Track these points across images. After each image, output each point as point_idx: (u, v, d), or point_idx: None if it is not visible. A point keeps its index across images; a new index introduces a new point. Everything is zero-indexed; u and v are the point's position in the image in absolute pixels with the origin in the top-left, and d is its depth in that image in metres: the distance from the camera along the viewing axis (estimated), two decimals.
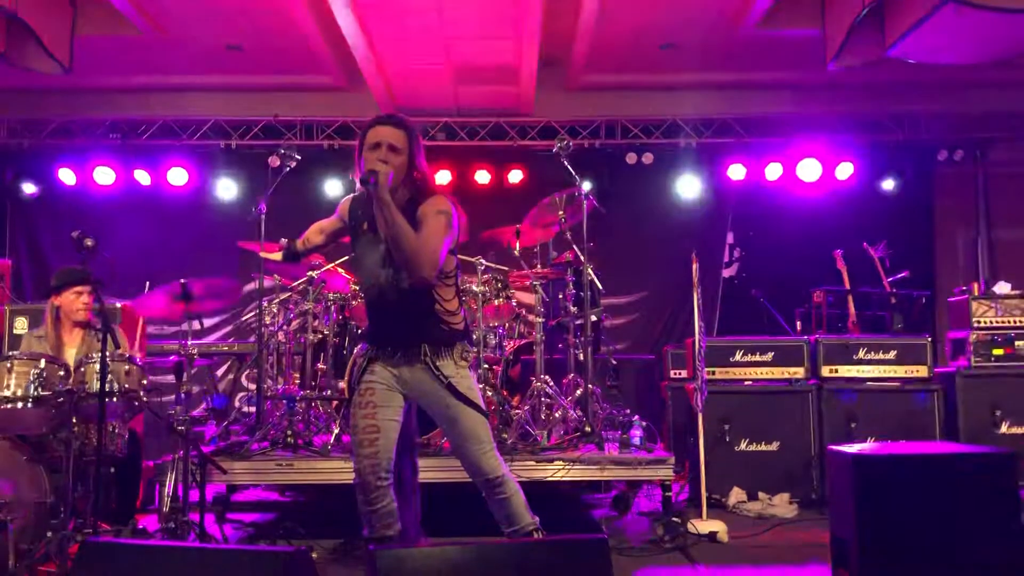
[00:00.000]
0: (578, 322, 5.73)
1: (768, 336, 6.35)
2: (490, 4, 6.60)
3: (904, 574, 3.20)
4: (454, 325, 3.44)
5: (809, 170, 8.54)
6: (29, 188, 8.67)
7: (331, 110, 8.60)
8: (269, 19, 7.04)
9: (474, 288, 5.65)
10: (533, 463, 4.90)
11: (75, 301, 4.78)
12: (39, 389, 4.14)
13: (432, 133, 8.70)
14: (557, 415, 5.42)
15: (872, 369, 6.07)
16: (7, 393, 4.10)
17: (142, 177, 8.58)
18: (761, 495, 5.75)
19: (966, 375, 6.04)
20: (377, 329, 3.50)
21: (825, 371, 6.07)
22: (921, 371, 6.06)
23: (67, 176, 8.56)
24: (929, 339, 6.17)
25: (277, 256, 3.98)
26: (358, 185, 3.38)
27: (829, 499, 3.91)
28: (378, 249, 3.39)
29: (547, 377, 5.51)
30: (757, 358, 6.07)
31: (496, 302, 5.93)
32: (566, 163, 5.56)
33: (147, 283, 5.11)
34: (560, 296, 5.98)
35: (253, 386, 6.39)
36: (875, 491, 3.25)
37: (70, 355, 4.68)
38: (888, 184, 8.65)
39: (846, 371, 6.08)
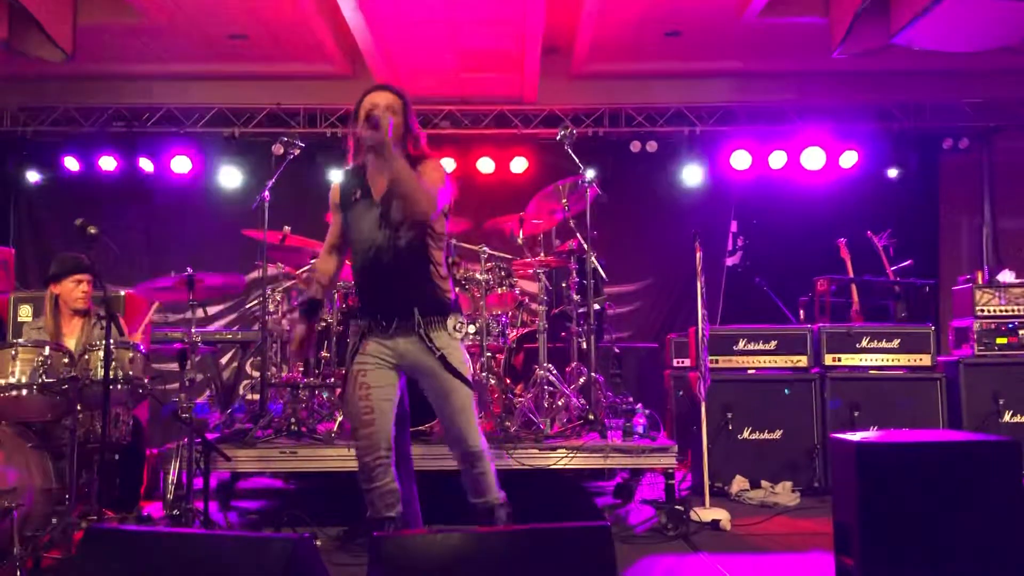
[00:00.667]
0: (581, 310, 5.73)
1: (771, 324, 6.35)
2: None
3: (907, 562, 3.20)
4: (446, 291, 3.55)
5: (813, 158, 8.51)
6: (33, 176, 8.67)
7: (335, 98, 8.58)
8: (273, 7, 7.03)
9: (477, 276, 5.65)
10: (536, 451, 4.91)
11: (74, 290, 4.76)
12: (44, 376, 4.14)
13: (436, 121, 8.68)
14: (560, 403, 5.42)
15: (876, 358, 6.06)
16: (12, 380, 4.11)
17: (145, 165, 8.57)
18: (764, 483, 5.76)
19: (970, 364, 6.03)
20: (372, 295, 3.56)
21: (828, 360, 6.06)
22: (925, 360, 6.05)
23: (71, 164, 8.55)
24: (933, 328, 6.16)
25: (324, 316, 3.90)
26: (350, 159, 3.60)
27: (832, 487, 3.91)
28: (373, 212, 3.50)
29: (550, 365, 5.52)
30: (760, 347, 6.07)
31: (499, 290, 5.93)
32: (570, 151, 5.55)
33: (156, 303, 5.10)
34: (563, 284, 5.99)
35: (257, 374, 6.40)
36: (878, 479, 3.25)
37: (69, 344, 4.68)
38: (892, 172, 8.62)
39: (849, 360, 6.07)
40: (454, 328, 3.53)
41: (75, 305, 4.78)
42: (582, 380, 5.57)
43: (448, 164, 8.57)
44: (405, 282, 3.49)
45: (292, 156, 5.60)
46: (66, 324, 4.81)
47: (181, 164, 8.54)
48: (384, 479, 3.47)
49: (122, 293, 5.78)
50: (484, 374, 5.42)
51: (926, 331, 6.12)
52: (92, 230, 4.03)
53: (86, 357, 4.28)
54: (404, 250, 3.46)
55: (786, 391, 5.91)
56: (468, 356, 3.64)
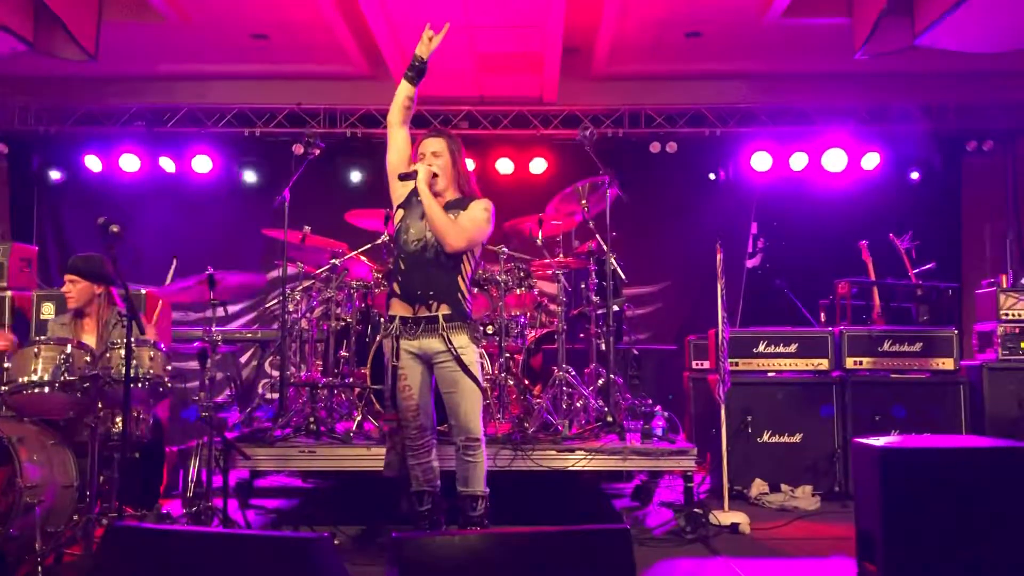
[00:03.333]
0: (600, 312, 5.71)
1: (792, 327, 6.30)
2: None
3: (931, 568, 3.17)
4: (467, 302, 4.11)
5: (835, 160, 8.45)
6: (55, 175, 8.74)
7: (354, 98, 8.60)
8: (294, 8, 7.04)
9: (496, 276, 5.64)
10: (554, 453, 4.90)
11: (71, 289, 4.74)
12: (66, 374, 4.17)
13: (455, 122, 8.69)
14: (579, 405, 5.41)
15: (898, 361, 6.01)
16: (35, 378, 4.14)
17: (167, 164, 8.62)
18: (783, 487, 5.73)
19: (993, 368, 5.97)
20: (409, 280, 4.06)
21: (850, 363, 6.02)
22: (947, 364, 6.00)
23: (93, 163, 8.62)
24: (956, 332, 6.11)
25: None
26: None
27: (855, 492, 3.89)
28: (412, 223, 4.12)
29: (568, 367, 5.51)
30: (781, 349, 6.03)
31: (518, 291, 5.93)
32: (590, 151, 5.54)
33: (174, 259, 5.13)
34: (582, 285, 5.97)
35: (276, 373, 6.43)
36: (902, 485, 3.22)
37: (88, 341, 4.70)
38: (915, 174, 8.54)
39: (871, 363, 6.03)
40: (472, 335, 4.09)
41: (68, 305, 4.79)
42: (601, 382, 5.56)
43: (467, 165, 8.56)
44: (439, 280, 4.05)
45: (312, 156, 5.61)
46: (82, 321, 4.83)
47: (202, 164, 8.59)
48: (427, 457, 4.18)
49: (142, 292, 5.81)
50: (502, 375, 5.42)
51: (949, 335, 6.07)
52: (114, 229, 4.05)
53: (107, 355, 4.30)
54: (445, 254, 4.03)
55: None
56: (480, 361, 4.14)
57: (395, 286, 4.13)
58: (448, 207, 4.10)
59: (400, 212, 4.21)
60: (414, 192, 4.13)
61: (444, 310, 4.01)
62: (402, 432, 4.18)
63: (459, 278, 4.08)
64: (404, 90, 4.24)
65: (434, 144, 4.18)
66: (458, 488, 4.10)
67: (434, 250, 4.03)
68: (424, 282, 4.04)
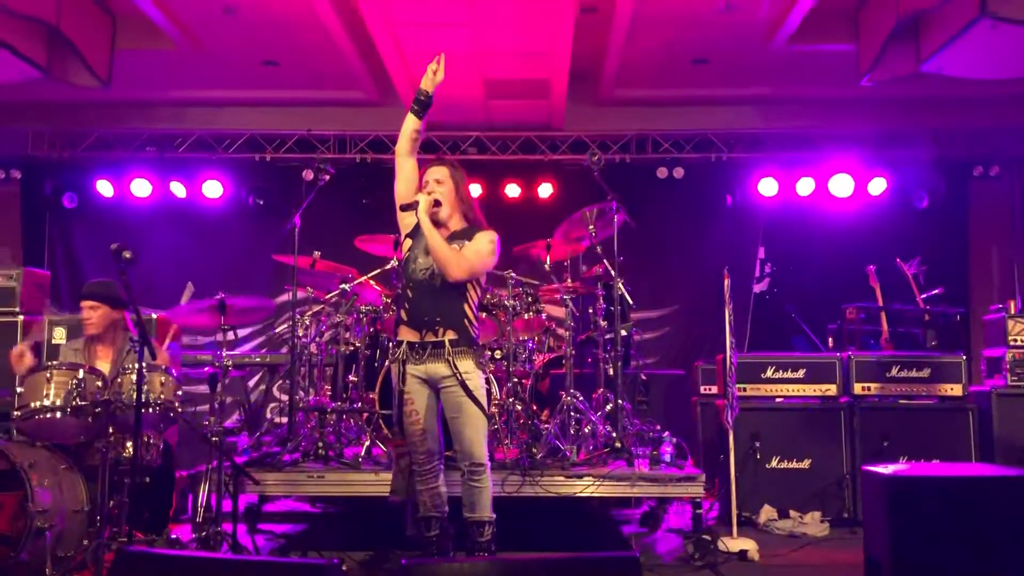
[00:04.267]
0: (608, 336, 5.72)
1: (800, 352, 6.30)
2: (522, 20, 6.64)
3: None
4: (473, 328, 4.14)
5: (841, 185, 8.47)
6: (68, 200, 8.80)
7: (364, 124, 8.67)
8: (305, 35, 7.13)
9: (504, 301, 5.67)
10: (563, 479, 4.89)
11: (90, 315, 4.77)
12: (77, 399, 4.20)
13: (463, 147, 8.75)
14: (587, 430, 5.41)
15: (906, 387, 6.00)
16: (47, 403, 4.17)
17: (178, 189, 8.68)
18: (792, 513, 5.71)
19: (1002, 394, 5.96)
20: (416, 307, 4.11)
21: (858, 388, 6.01)
22: (956, 390, 5.99)
23: (105, 188, 8.68)
24: (964, 357, 6.09)
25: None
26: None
27: (864, 519, 3.88)
28: (420, 251, 4.14)
29: (576, 392, 5.51)
30: (789, 375, 6.03)
31: (526, 316, 5.94)
32: (597, 176, 5.57)
33: (189, 284, 5.17)
34: (590, 310, 5.98)
35: (285, 397, 6.45)
36: (910, 512, 3.22)
37: (102, 367, 4.74)
38: (922, 200, 8.56)
39: (879, 389, 6.02)
40: (478, 361, 4.11)
41: (86, 331, 4.83)
42: (608, 407, 5.56)
43: (475, 190, 8.63)
44: (445, 306, 4.09)
45: (323, 182, 5.66)
46: (95, 347, 4.86)
47: (213, 189, 8.65)
48: (435, 483, 4.18)
49: (153, 316, 5.85)
50: (510, 399, 5.43)
51: (957, 360, 6.06)
52: (127, 254, 4.09)
53: (119, 380, 4.33)
54: (451, 283, 4.06)
55: None
56: (486, 387, 4.19)
57: (403, 313, 4.19)
58: (453, 237, 4.14)
59: (408, 241, 4.25)
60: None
61: (450, 335, 4.05)
62: (409, 457, 4.20)
63: (465, 305, 4.12)
64: (411, 123, 4.29)
65: (437, 172, 4.22)
66: (464, 514, 4.11)
67: (440, 278, 4.06)
68: (431, 308, 4.08)
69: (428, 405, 4.11)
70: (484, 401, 4.09)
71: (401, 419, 4.15)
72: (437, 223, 4.14)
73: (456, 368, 4.02)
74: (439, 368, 4.05)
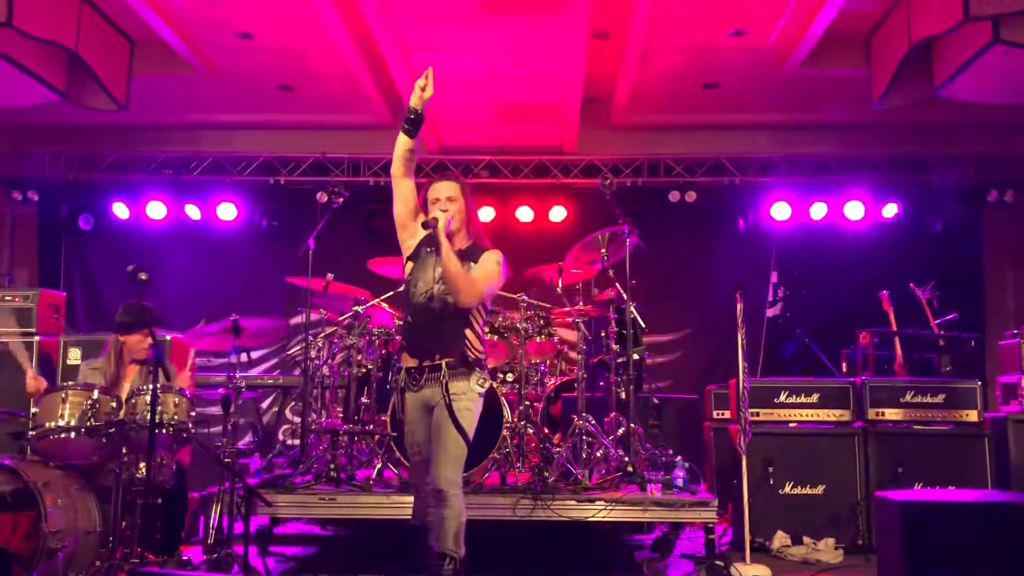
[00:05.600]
0: (620, 360, 5.72)
1: (813, 377, 6.27)
2: (534, 45, 6.69)
3: None
4: (475, 351, 4.03)
5: (855, 210, 8.47)
6: (84, 222, 8.87)
7: (377, 147, 8.72)
8: (319, 60, 7.20)
9: (516, 324, 5.67)
10: (575, 503, 4.87)
11: (142, 341, 4.78)
12: (91, 420, 4.22)
13: (475, 171, 8.79)
14: (599, 454, 5.39)
15: (920, 412, 5.95)
16: (61, 423, 4.19)
17: (192, 212, 8.75)
18: (806, 539, 5.66)
19: (1018, 421, 5.90)
20: (416, 332, 4.05)
21: (872, 414, 5.97)
22: (971, 415, 5.94)
23: (120, 210, 8.76)
24: (979, 383, 6.04)
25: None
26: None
27: (878, 546, 3.84)
28: (437, 269, 4.01)
29: (588, 415, 5.50)
30: (802, 399, 5.99)
31: (538, 339, 5.95)
32: (609, 199, 5.58)
33: (203, 319, 5.20)
34: (602, 334, 5.99)
35: (297, 419, 6.45)
36: (926, 539, 3.19)
37: (125, 389, 4.77)
38: (936, 224, 8.53)
39: (893, 414, 5.98)
40: (476, 383, 3.98)
41: (138, 356, 4.85)
42: (621, 431, 5.54)
43: (488, 213, 8.67)
44: (444, 333, 3.98)
45: (336, 204, 5.70)
46: (125, 370, 4.91)
47: (227, 211, 8.71)
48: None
49: (167, 338, 5.87)
50: (522, 423, 5.42)
51: (972, 386, 6.01)
52: (143, 276, 4.12)
53: (132, 401, 4.35)
54: (452, 306, 3.96)
55: None
56: (477, 411, 3.98)
57: (404, 338, 4.14)
58: (459, 256, 3.99)
59: (410, 264, 4.14)
60: (423, 243, 4.10)
61: (448, 360, 3.93)
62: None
63: (467, 328, 4.01)
64: (403, 143, 4.10)
65: (448, 189, 4.10)
66: (430, 541, 3.90)
67: (440, 301, 3.96)
68: (430, 333, 3.99)
69: (426, 434, 3.99)
70: (469, 424, 3.92)
71: (404, 443, 4.11)
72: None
73: (447, 390, 3.90)
74: (435, 392, 3.94)
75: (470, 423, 3.92)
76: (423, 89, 4.07)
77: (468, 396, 3.94)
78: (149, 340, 4.75)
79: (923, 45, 6.10)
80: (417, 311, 4.03)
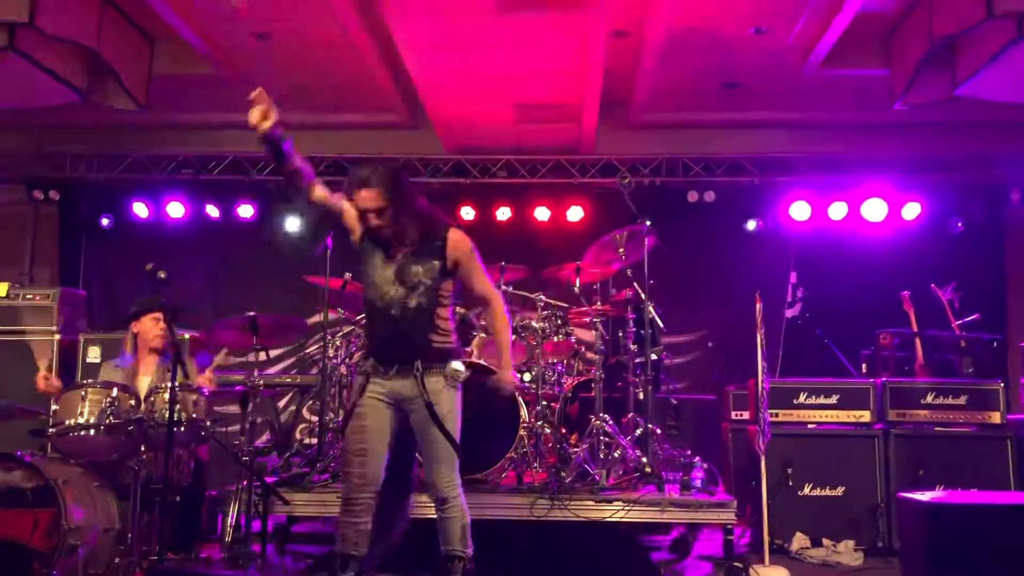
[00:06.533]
0: (638, 360, 5.69)
1: (833, 378, 6.22)
2: (552, 44, 6.68)
3: None
4: (447, 341, 3.81)
5: (875, 209, 8.41)
6: (104, 221, 8.93)
7: (394, 147, 8.74)
8: (338, 59, 7.22)
9: (534, 324, 5.66)
10: (592, 503, 4.86)
11: (153, 327, 4.94)
12: (111, 417, 4.24)
13: (493, 171, 8.78)
14: (616, 455, 5.37)
15: (942, 414, 5.89)
16: (80, 420, 4.22)
17: (212, 211, 8.80)
18: (825, 541, 5.61)
19: None
20: (379, 340, 3.81)
21: (892, 415, 5.92)
22: (994, 417, 5.87)
23: (140, 210, 8.81)
24: (1002, 384, 5.98)
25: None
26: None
27: (900, 549, 3.80)
28: (390, 269, 3.76)
29: (606, 415, 5.48)
30: (822, 400, 5.95)
31: (556, 339, 5.93)
32: (627, 199, 5.55)
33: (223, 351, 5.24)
34: (620, 334, 5.95)
35: (314, 418, 6.46)
36: (949, 542, 3.15)
37: (144, 382, 4.82)
38: (957, 224, 8.45)
39: (914, 415, 5.92)
40: (451, 375, 3.76)
41: (152, 343, 4.94)
42: (638, 431, 5.51)
43: (504, 213, 8.68)
44: (410, 335, 3.74)
45: None
46: (143, 362, 4.98)
47: (246, 210, 8.74)
48: (363, 518, 3.68)
49: (186, 336, 5.89)
50: (539, 423, 5.40)
51: (995, 387, 5.94)
52: (161, 274, 4.14)
53: (151, 399, 4.37)
54: (413, 309, 3.72)
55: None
56: (460, 405, 3.82)
57: (369, 335, 3.90)
58: (418, 254, 3.75)
59: (365, 269, 3.86)
60: (374, 246, 3.79)
61: (418, 359, 3.73)
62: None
63: (434, 321, 3.76)
64: (280, 170, 3.83)
65: (372, 199, 3.65)
66: (440, 545, 3.80)
67: (400, 307, 3.71)
68: (393, 342, 3.75)
69: (379, 428, 3.73)
70: (455, 427, 3.75)
71: (346, 432, 3.78)
72: (391, 242, 3.74)
73: (424, 388, 3.70)
74: (405, 388, 3.73)
75: (455, 425, 3.76)
76: (261, 116, 3.68)
77: (448, 397, 3.75)
78: (162, 325, 4.81)
79: (944, 44, 6.04)
80: (376, 315, 3.79)
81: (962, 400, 5.91)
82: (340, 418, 5.82)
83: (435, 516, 3.83)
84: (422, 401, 3.70)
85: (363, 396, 3.75)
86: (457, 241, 3.81)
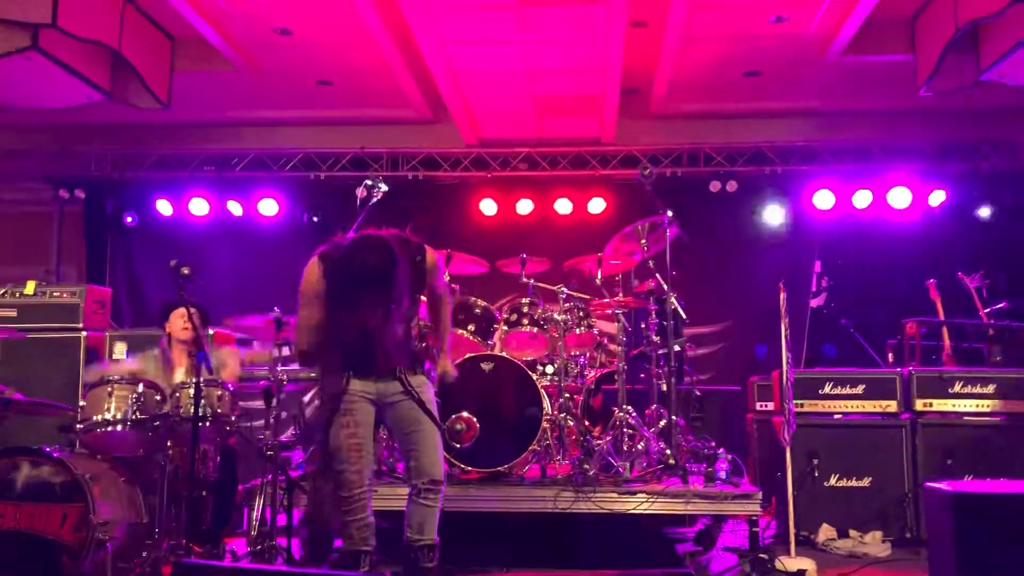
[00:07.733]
0: (661, 352, 5.66)
1: (859, 368, 6.16)
2: (572, 37, 6.65)
3: None
4: (419, 349, 4.00)
5: (900, 197, 8.32)
6: (128, 219, 9.02)
7: (416, 142, 8.76)
8: (358, 55, 7.24)
9: (556, 316, 5.65)
10: (616, 495, 4.84)
11: (177, 322, 5.04)
12: (137, 413, 4.29)
13: (514, 163, 8.77)
14: (640, 446, 5.35)
15: (970, 403, 5.83)
16: (107, 416, 4.27)
17: (234, 208, 8.85)
18: (852, 533, 5.57)
19: None
20: (360, 355, 3.79)
21: (919, 405, 5.85)
22: (1022, 406, 5.79)
23: (164, 207, 8.88)
24: None
25: None
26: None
27: (928, 539, 3.76)
28: (370, 295, 3.73)
29: (629, 407, 5.45)
30: (847, 391, 5.89)
31: (578, 331, 5.92)
32: (649, 190, 5.52)
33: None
34: (642, 325, 5.92)
35: None
36: (978, 532, 3.11)
37: (179, 375, 4.91)
38: (984, 212, 8.34)
39: (941, 405, 5.85)
40: (425, 373, 3.93)
41: (182, 336, 5.04)
42: (662, 423, 5.49)
43: (526, 206, 8.67)
44: (391, 349, 3.79)
45: (375, 199, 5.70)
46: (177, 357, 5.09)
47: (268, 207, 8.79)
48: (364, 513, 3.77)
49: (210, 332, 5.94)
50: (562, 415, 5.40)
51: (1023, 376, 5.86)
52: (185, 271, 4.19)
53: (177, 395, 4.41)
54: (391, 328, 3.77)
55: None
56: (435, 398, 3.96)
57: (344, 347, 3.84)
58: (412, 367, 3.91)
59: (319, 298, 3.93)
60: (343, 278, 3.87)
61: (400, 364, 3.84)
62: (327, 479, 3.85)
63: (407, 335, 3.89)
64: None
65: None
66: (409, 535, 3.83)
67: (380, 328, 3.75)
68: (375, 355, 3.79)
69: (367, 422, 3.81)
70: (436, 412, 3.89)
71: (328, 435, 3.76)
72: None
73: (409, 384, 3.81)
74: (390, 386, 3.83)
75: (435, 408, 3.91)
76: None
77: (426, 387, 3.91)
78: (184, 318, 4.86)
79: (969, 28, 5.96)
80: (360, 335, 3.76)
81: (990, 389, 5.84)
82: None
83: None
84: (407, 399, 3.81)
85: (347, 394, 3.78)
86: (431, 261, 4.06)
